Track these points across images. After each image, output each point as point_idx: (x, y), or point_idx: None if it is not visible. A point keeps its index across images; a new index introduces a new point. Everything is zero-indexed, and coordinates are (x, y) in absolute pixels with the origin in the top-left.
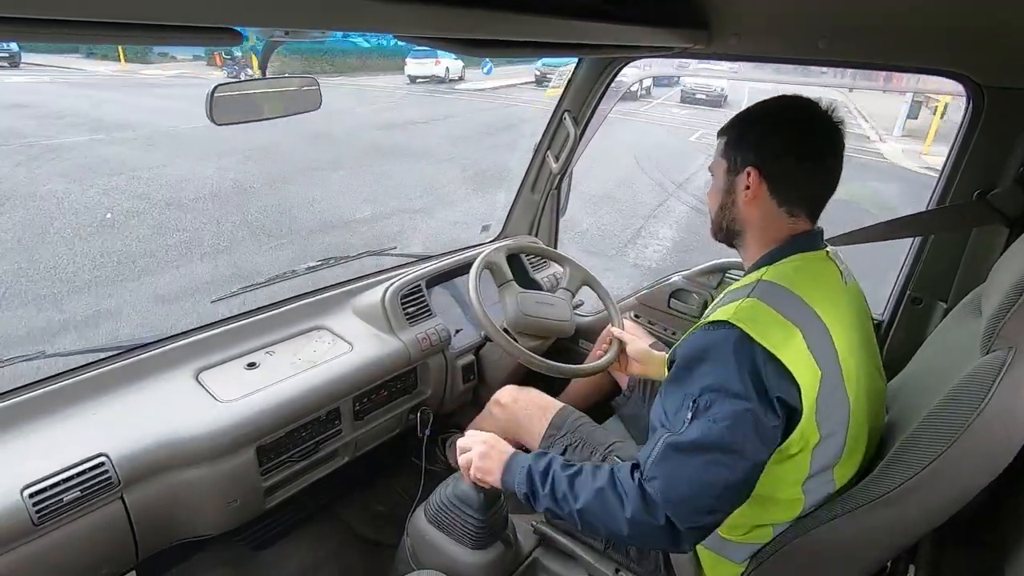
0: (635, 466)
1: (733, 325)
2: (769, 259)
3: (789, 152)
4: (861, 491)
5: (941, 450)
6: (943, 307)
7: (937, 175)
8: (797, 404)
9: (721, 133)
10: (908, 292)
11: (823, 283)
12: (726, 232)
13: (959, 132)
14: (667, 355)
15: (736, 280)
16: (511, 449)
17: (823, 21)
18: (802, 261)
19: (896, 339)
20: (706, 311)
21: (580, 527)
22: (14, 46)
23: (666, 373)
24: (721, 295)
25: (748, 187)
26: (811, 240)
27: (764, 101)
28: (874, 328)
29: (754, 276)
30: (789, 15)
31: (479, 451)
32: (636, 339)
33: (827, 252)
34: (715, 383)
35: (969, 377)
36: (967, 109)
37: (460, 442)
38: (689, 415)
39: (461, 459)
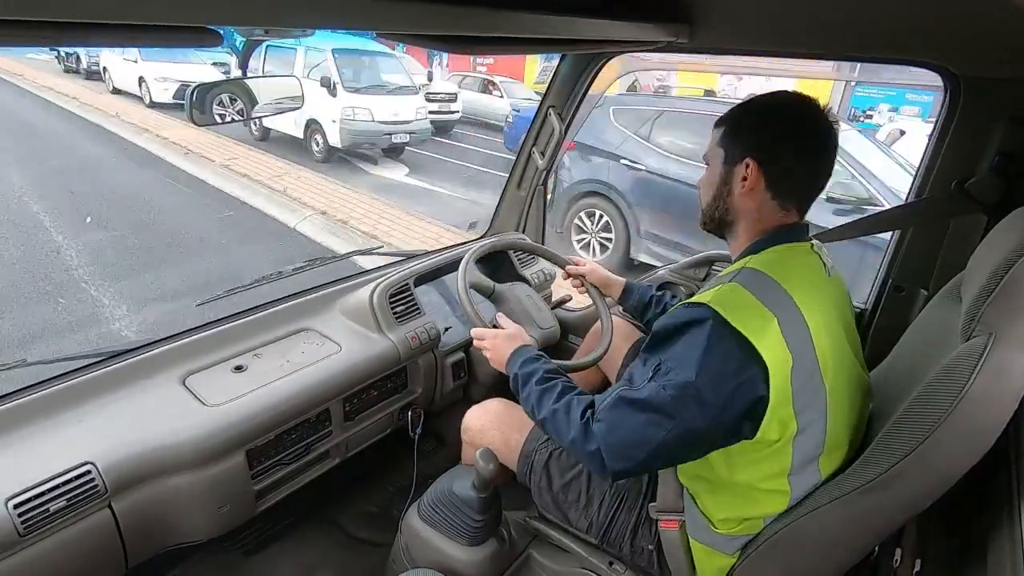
0: (590, 404)
1: (711, 307)
2: (754, 248)
3: (788, 146)
4: (847, 478)
5: (925, 436)
6: (924, 294)
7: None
8: (762, 389)
9: (719, 123)
10: (891, 280)
11: (805, 272)
12: (718, 222)
13: (936, 123)
14: (624, 281)
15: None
16: (515, 345)
17: (804, 14)
18: (787, 250)
19: (879, 327)
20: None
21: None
22: None
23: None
24: (709, 283)
25: (745, 178)
26: (797, 232)
27: (764, 95)
28: (858, 316)
29: (739, 264)
30: (770, 8)
31: (487, 345)
32: (596, 269)
33: (811, 245)
34: (679, 355)
35: (951, 363)
36: (944, 100)
37: (474, 332)
38: (650, 375)
39: (478, 344)
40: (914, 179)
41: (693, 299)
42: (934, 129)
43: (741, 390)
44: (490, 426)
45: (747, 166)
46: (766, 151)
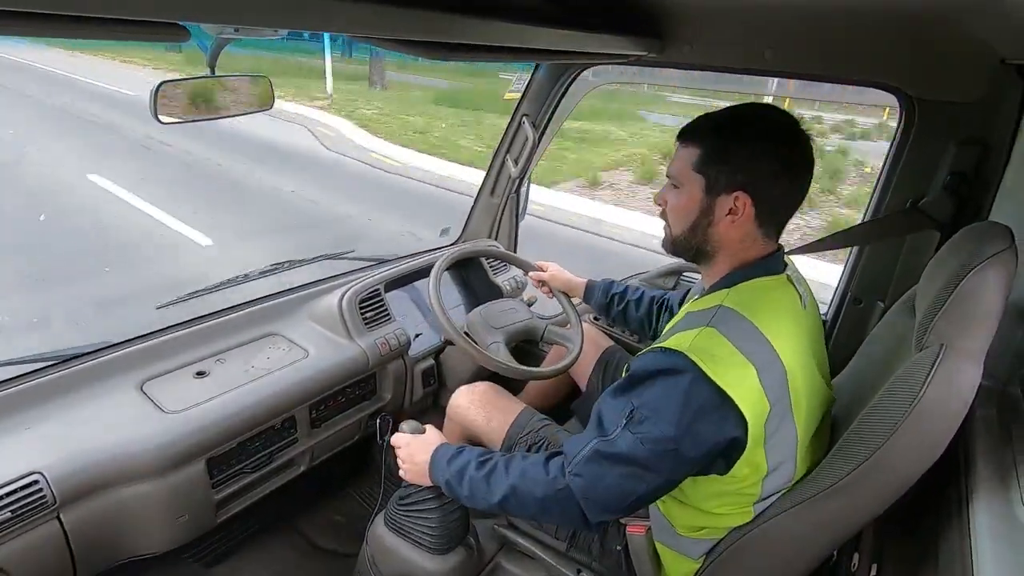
0: (553, 455)
1: (689, 358)
2: (730, 281)
3: (783, 174)
4: (808, 485)
5: (881, 442)
6: (881, 307)
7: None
8: (741, 436)
9: (690, 140)
10: (849, 293)
11: (781, 310)
12: (694, 252)
13: (892, 144)
14: (585, 281)
15: (692, 282)
16: (430, 450)
17: (769, 33)
18: (764, 286)
19: (839, 338)
20: (666, 328)
21: (500, 513)
22: None
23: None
24: (681, 314)
25: (733, 211)
26: (774, 263)
27: (739, 110)
28: None
29: (714, 300)
30: (738, 26)
31: (401, 457)
32: (557, 274)
33: (787, 276)
34: (654, 404)
35: (904, 373)
36: (900, 121)
37: (393, 440)
38: (623, 422)
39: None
40: (871, 196)
41: (668, 344)
42: (890, 149)
43: (719, 438)
44: (479, 407)
45: (737, 199)
46: (760, 185)
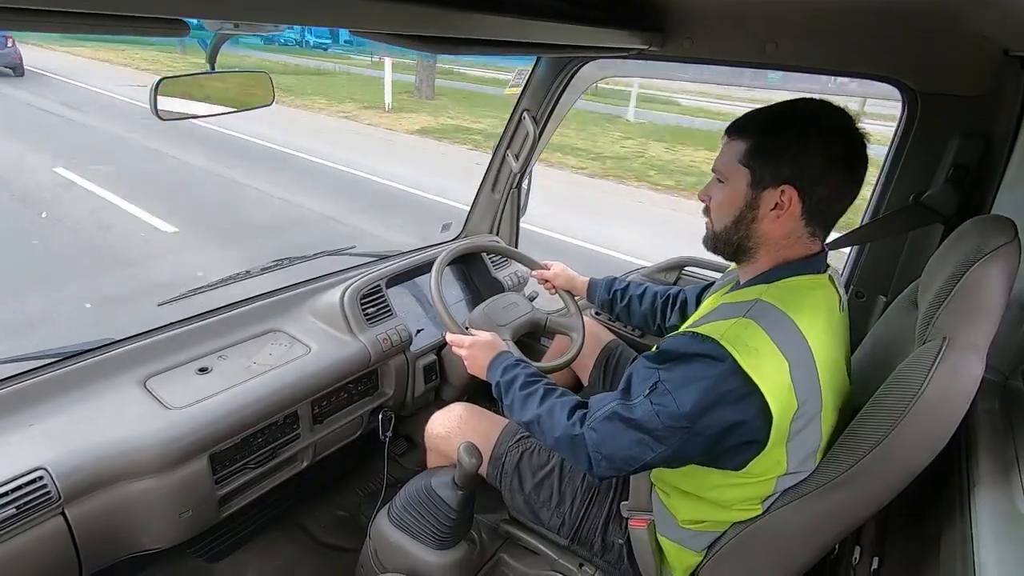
0: (578, 405)
1: (724, 347)
2: (770, 277)
3: (833, 170)
4: (811, 479)
5: (884, 435)
6: (884, 300)
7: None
8: (760, 434)
9: (737, 134)
10: (851, 287)
11: (820, 310)
12: (735, 248)
13: (895, 137)
14: (588, 280)
15: (694, 278)
16: (495, 352)
17: (771, 27)
18: (804, 285)
19: None
20: (694, 317)
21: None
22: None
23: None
24: (715, 303)
25: (778, 206)
26: (817, 262)
27: (789, 104)
28: None
29: (752, 293)
30: (739, 20)
31: (466, 355)
32: (561, 272)
33: (829, 276)
34: (680, 381)
35: (908, 366)
36: (902, 114)
37: (450, 338)
38: (646, 391)
39: (456, 351)
40: (873, 190)
41: (704, 330)
42: (892, 142)
43: (736, 430)
44: (456, 432)
45: (783, 193)
46: (808, 180)
